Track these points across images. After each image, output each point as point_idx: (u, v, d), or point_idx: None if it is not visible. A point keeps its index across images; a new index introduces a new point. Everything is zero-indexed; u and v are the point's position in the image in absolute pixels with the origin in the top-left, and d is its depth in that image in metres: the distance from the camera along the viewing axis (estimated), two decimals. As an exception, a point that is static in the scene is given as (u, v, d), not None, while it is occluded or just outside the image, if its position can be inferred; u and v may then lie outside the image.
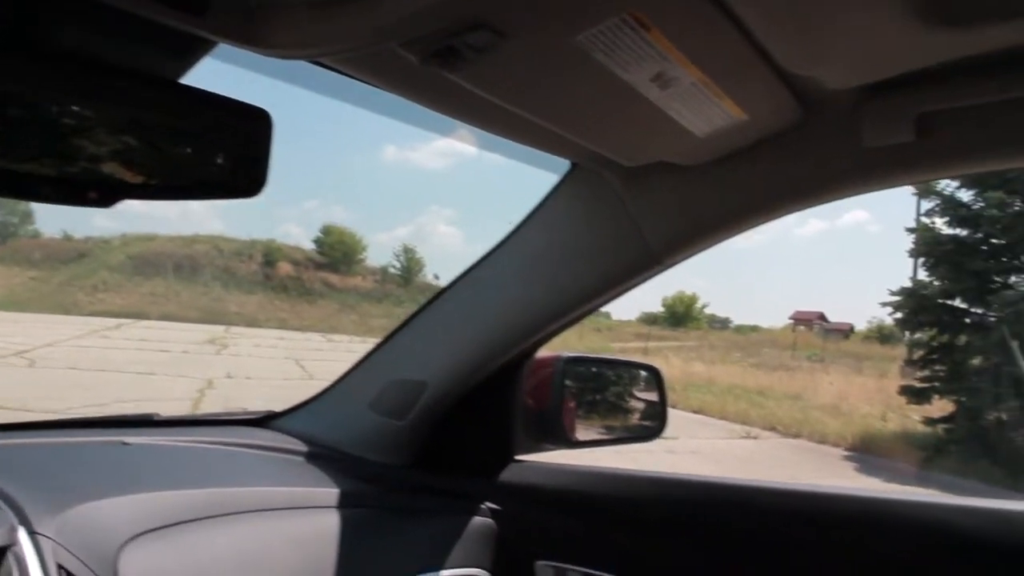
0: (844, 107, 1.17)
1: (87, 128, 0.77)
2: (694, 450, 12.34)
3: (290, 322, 34.51)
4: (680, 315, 55.41)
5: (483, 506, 1.71)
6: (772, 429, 15.56)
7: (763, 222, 1.38)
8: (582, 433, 1.90)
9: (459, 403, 1.70)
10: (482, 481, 1.76)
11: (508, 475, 1.77)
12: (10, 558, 1.07)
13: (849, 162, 1.24)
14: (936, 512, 1.42)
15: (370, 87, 1.06)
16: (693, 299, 57.47)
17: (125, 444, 1.60)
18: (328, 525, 1.52)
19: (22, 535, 1.10)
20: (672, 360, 26.58)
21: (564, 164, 1.49)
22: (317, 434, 1.81)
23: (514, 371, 1.71)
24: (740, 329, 53.98)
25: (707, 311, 59.48)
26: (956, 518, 1.38)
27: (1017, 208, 14.44)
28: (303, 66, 1.01)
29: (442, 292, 1.71)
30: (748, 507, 1.57)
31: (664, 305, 57.34)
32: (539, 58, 0.94)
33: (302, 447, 1.77)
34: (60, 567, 1.08)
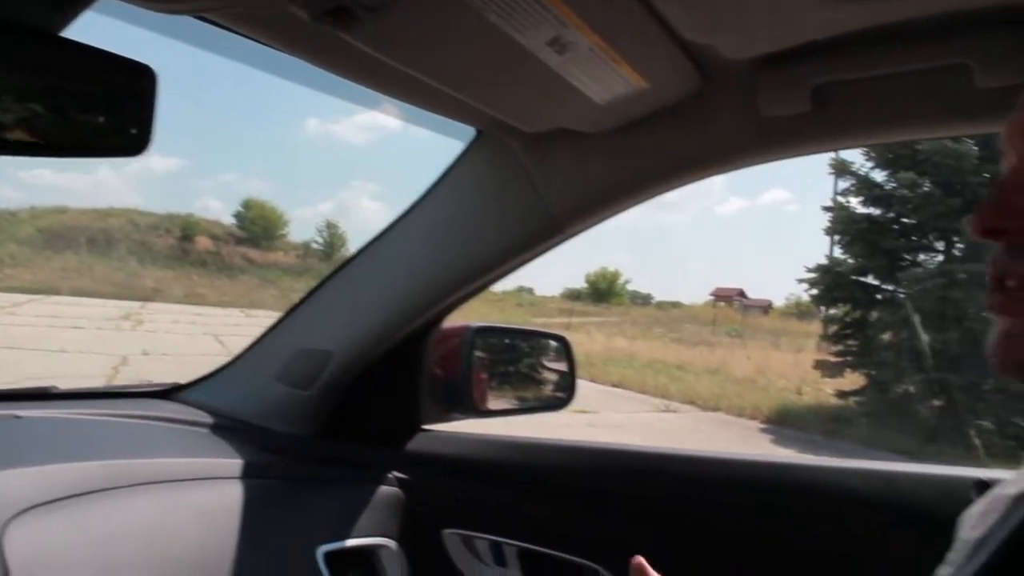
0: (742, 77, 1.18)
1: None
2: (615, 424, 12.51)
3: (209, 298, 33.91)
4: (603, 291, 55.91)
5: (390, 475, 1.71)
6: (691, 403, 15.82)
7: (665, 190, 1.40)
8: (493, 403, 1.90)
9: (366, 372, 1.69)
10: (389, 451, 1.75)
11: (415, 444, 1.76)
12: None
13: (748, 131, 1.26)
14: (831, 475, 1.47)
15: (278, 52, 1.04)
16: (616, 275, 58.12)
17: (17, 417, 1.55)
18: (232, 496, 1.49)
19: None
20: (595, 335, 26.87)
21: (467, 130, 1.48)
22: (222, 406, 1.77)
23: (421, 340, 1.71)
24: (662, 305, 54.77)
25: (630, 287, 60.27)
26: (849, 480, 1.44)
27: (927, 189, 14.89)
28: (209, 28, 0.99)
29: (348, 262, 1.69)
30: (655, 473, 1.60)
31: (587, 281, 57.87)
32: (432, 19, 0.93)
33: (207, 419, 1.74)
34: None
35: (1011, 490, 0.76)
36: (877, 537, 1.38)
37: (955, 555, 0.78)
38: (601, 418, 12.53)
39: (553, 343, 2.06)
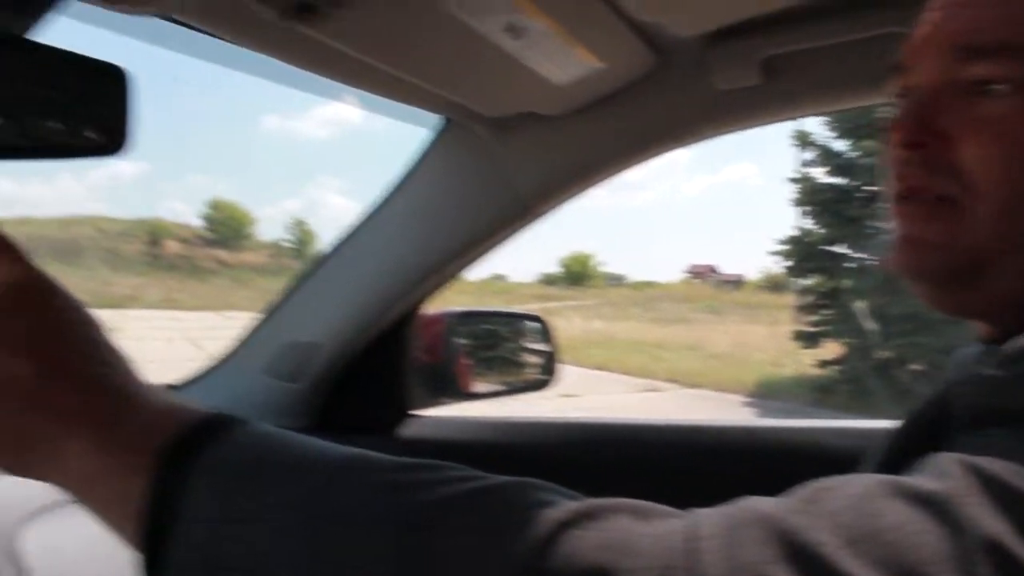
0: (693, 52, 1.22)
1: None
2: (599, 406, 12.52)
3: (184, 302, 33.61)
4: (577, 274, 55.88)
5: None
6: (673, 381, 15.88)
7: (629, 167, 1.44)
8: (472, 386, 1.92)
9: (353, 362, 1.70)
10: (380, 438, 1.76)
11: (405, 430, 1.78)
12: None
13: (702, 106, 1.30)
14: (806, 435, 1.52)
15: (242, 50, 1.05)
16: (589, 258, 58.13)
17: None
18: None
19: None
20: (573, 319, 26.90)
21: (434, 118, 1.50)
22: (213, 404, 1.77)
23: (404, 327, 1.72)
24: (636, 285, 54.79)
25: (603, 269, 60.32)
26: (824, 437, 1.49)
27: (888, 156, 14.99)
28: (171, 28, 1.00)
29: (329, 253, 1.70)
30: (640, 444, 1.64)
31: (561, 265, 57.86)
32: (393, 10, 0.95)
33: None
34: None
35: None
36: None
37: None
38: (585, 401, 12.55)
39: (532, 324, 2.07)
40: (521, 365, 2.10)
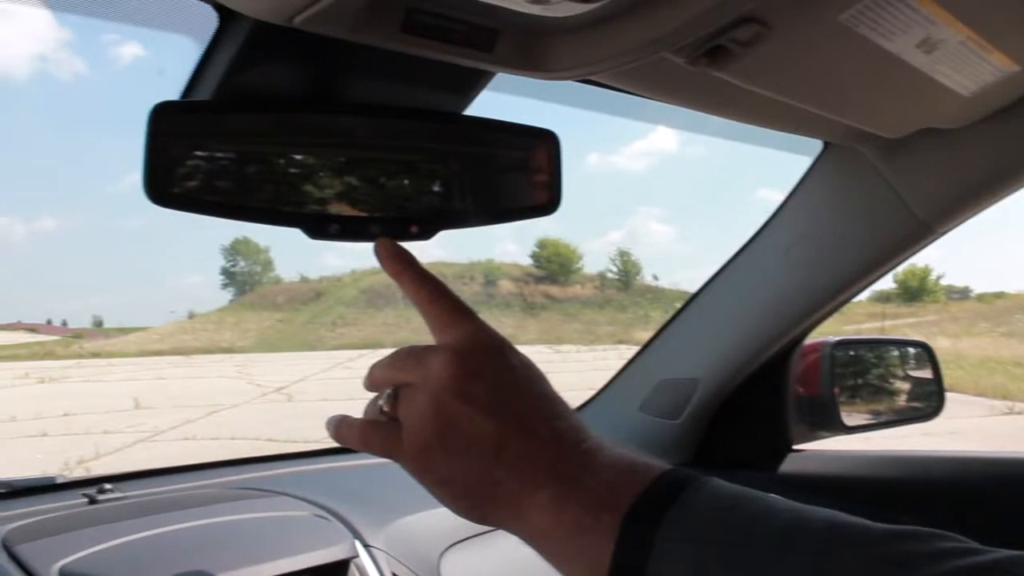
0: None
1: (400, 169, 0.83)
2: (953, 431, 11.63)
3: (518, 337, 35.11)
4: (914, 289, 52.53)
5: None
6: (1038, 402, 14.46)
7: None
8: (850, 418, 1.85)
9: (732, 397, 1.69)
10: (762, 475, 1.73)
11: (788, 466, 1.74)
12: (353, 570, 1.18)
13: None
14: None
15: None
16: (926, 271, 54.42)
17: None
18: None
19: (360, 549, 1.22)
20: (912, 338, 25.27)
21: (808, 143, 1.47)
22: None
23: (784, 360, 1.69)
24: (983, 297, 50.62)
25: (943, 282, 56.31)
26: None
27: None
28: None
29: (703, 288, 1.70)
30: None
31: (896, 281, 54.56)
32: (805, 43, 0.93)
33: None
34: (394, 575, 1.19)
35: None
36: None
37: None
38: (937, 425, 11.67)
39: (912, 350, 1.97)
40: (892, 393, 2.00)
